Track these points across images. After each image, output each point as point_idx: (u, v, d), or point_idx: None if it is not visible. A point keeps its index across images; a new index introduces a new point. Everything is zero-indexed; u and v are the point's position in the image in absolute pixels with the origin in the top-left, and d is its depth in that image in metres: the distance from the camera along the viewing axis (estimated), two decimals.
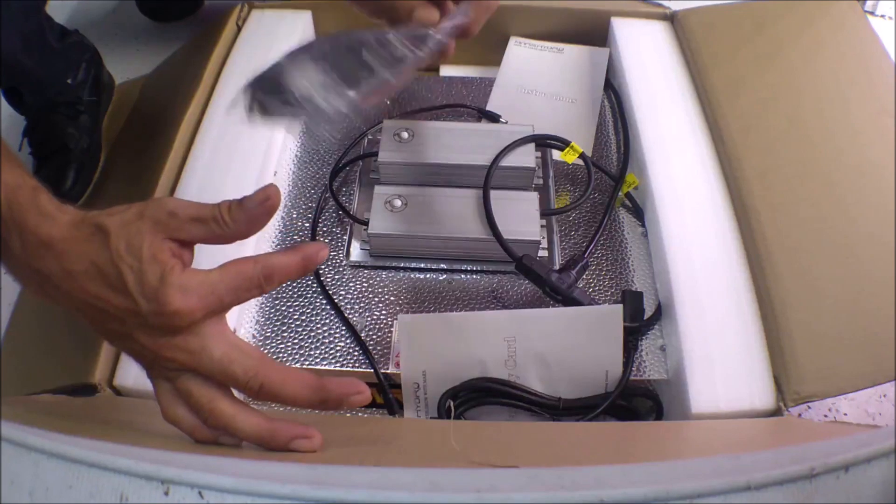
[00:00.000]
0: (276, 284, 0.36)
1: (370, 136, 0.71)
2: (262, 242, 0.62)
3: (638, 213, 0.65)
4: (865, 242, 0.55)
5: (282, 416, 0.38)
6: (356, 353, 0.55)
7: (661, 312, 0.57)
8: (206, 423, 0.36)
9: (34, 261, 0.33)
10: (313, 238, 0.63)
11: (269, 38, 0.74)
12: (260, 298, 0.59)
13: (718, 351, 0.51)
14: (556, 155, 0.68)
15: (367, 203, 0.62)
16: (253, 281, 0.35)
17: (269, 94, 0.37)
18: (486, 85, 0.78)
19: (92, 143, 0.78)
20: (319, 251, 0.36)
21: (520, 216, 0.59)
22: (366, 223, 0.60)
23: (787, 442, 0.42)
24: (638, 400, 0.55)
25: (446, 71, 0.83)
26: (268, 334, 0.57)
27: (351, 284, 0.60)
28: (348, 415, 0.55)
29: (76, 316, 0.35)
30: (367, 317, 0.58)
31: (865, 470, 0.26)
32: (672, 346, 0.54)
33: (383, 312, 0.58)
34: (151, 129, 0.70)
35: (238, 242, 0.59)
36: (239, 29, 0.76)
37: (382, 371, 0.54)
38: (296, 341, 0.56)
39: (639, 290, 0.59)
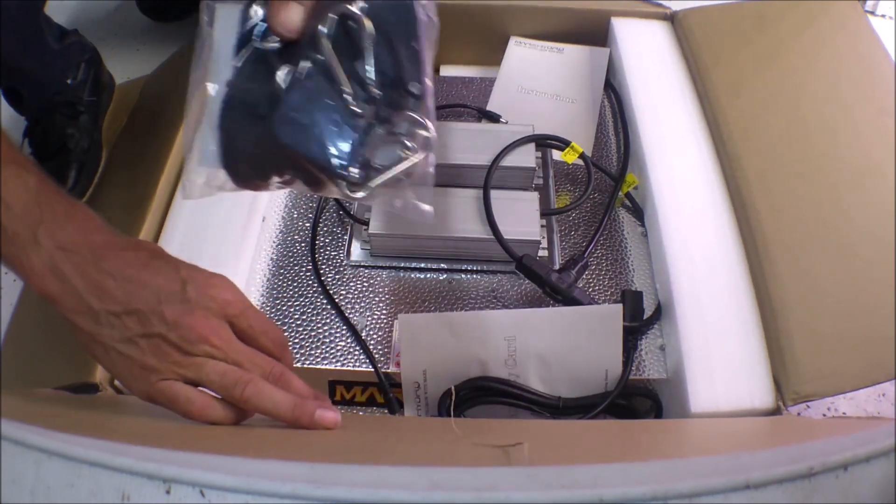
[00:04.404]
0: (274, 383, 0.39)
1: None
2: (263, 242, 0.62)
3: (638, 212, 0.65)
4: (865, 242, 0.55)
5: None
6: (357, 353, 0.55)
7: (661, 312, 0.57)
8: (239, 401, 0.37)
9: (67, 243, 0.36)
10: (313, 238, 0.63)
11: None
12: (260, 298, 0.59)
13: (718, 350, 0.51)
14: (557, 155, 0.68)
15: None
16: (266, 359, 0.39)
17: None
18: (486, 85, 0.78)
19: (92, 143, 0.78)
20: (323, 416, 0.40)
21: (520, 216, 0.60)
22: (366, 223, 0.60)
23: (787, 441, 0.42)
24: (637, 399, 0.55)
25: (446, 71, 0.84)
26: None
27: (351, 284, 0.60)
28: (349, 413, 0.55)
29: (73, 314, 0.36)
30: (368, 316, 0.58)
31: (864, 469, 0.25)
32: (671, 345, 0.54)
33: (384, 312, 0.58)
34: (152, 130, 0.70)
35: (238, 244, 0.59)
36: None
37: (383, 370, 0.54)
38: (297, 341, 0.56)
39: (638, 289, 0.60)
